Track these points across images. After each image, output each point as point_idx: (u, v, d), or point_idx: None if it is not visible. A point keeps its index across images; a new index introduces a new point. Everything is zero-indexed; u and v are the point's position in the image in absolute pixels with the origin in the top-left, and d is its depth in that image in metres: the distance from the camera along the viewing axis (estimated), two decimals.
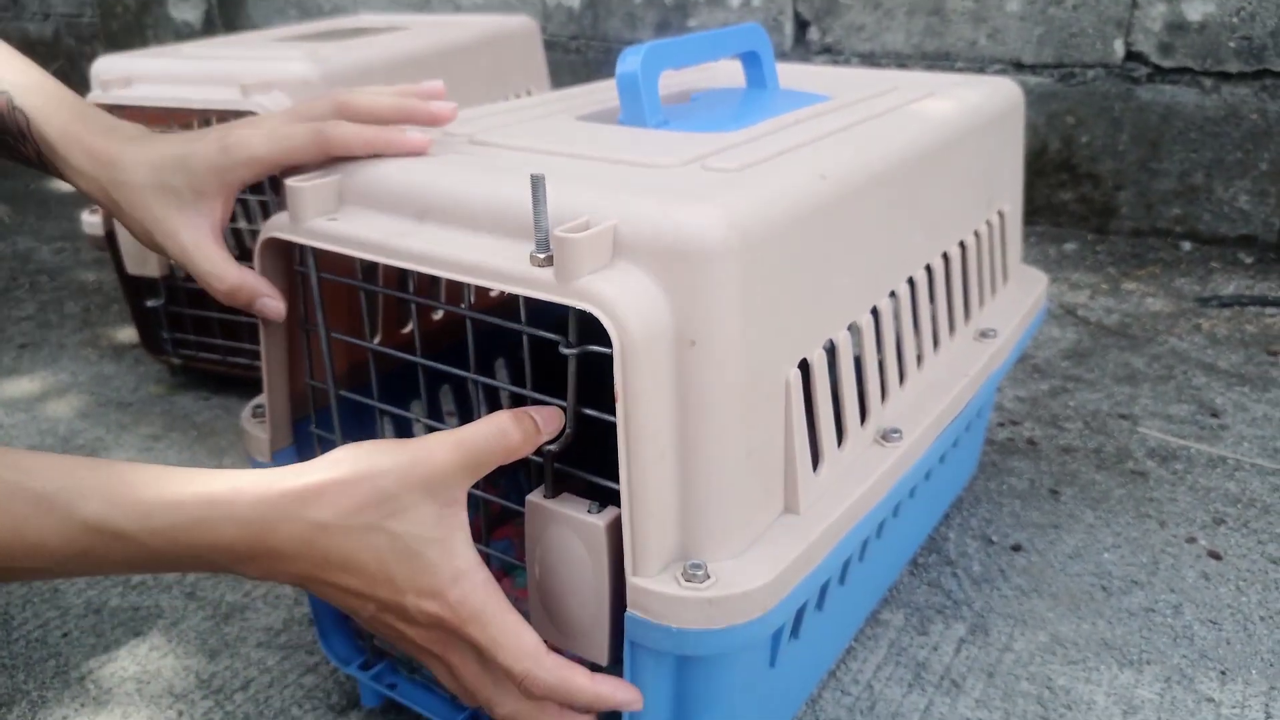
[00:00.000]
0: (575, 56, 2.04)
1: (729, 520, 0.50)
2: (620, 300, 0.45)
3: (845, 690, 0.70)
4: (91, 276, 1.58)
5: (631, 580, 0.48)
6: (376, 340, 0.73)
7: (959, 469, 0.89)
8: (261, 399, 0.64)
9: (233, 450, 1.05)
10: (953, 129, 0.71)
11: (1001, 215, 0.81)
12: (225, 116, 1.21)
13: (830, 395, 0.56)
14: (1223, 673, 0.71)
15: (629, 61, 0.63)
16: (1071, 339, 1.29)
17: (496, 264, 0.48)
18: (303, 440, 0.65)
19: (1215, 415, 1.07)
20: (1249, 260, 1.52)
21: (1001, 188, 0.81)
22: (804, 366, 0.54)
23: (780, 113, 0.67)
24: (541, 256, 0.46)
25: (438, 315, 0.79)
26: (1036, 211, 1.69)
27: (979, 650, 0.74)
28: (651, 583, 0.48)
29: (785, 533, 0.52)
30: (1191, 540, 0.86)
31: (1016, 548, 0.86)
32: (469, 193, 0.52)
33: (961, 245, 0.74)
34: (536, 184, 0.45)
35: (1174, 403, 1.11)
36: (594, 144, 0.59)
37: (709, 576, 0.48)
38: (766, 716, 0.63)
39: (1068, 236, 1.66)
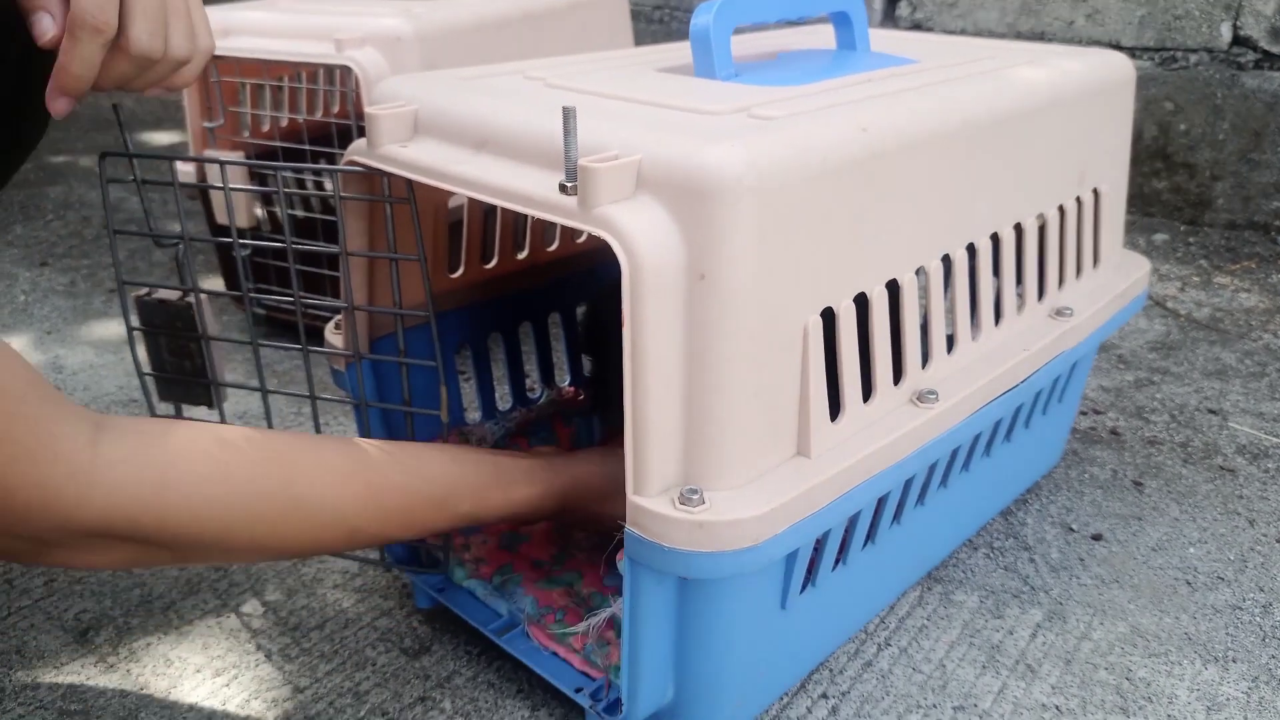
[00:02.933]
0: (659, 27, 2.03)
1: (731, 453, 0.51)
2: (633, 228, 0.47)
3: (917, 668, 0.69)
4: (176, 226, 1.62)
5: (631, 498, 0.50)
6: (459, 273, 0.75)
7: (1035, 452, 0.87)
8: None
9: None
10: (1038, 97, 0.69)
11: (1097, 194, 0.79)
12: (318, 70, 1.23)
13: (858, 348, 0.56)
14: None
15: (702, 15, 0.63)
16: (1159, 331, 1.25)
17: (527, 189, 0.51)
18: (384, 351, 0.69)
19: None
20: None
21: (1099, 164, 0.78)
22: (829, 315, 0.54)
23: (858, 72, 0.66)
24: (569, 185, 0.48)
25: (522, 255, 0.80)
26: (1127, 200, 1.63)
27: (1056, 637, 0.72)
28: (648, 502, 0.50)
29: (791, 473, 0.53)
30: None
31: (1097, 537, 0.84)
32: (520, 126, 0.55)
33: (1041, 218, 0.72)
34: (568, 116, 0.47)
35: (1266, 400, 1.07)
36: (655, 91, 0.60)
37: (704, 502, 0.50)
38: (777, 661, 0.63)
39: (1159, 227, 1.61)
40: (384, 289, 0.67)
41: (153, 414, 0.64)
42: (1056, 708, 0.66)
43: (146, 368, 0.66)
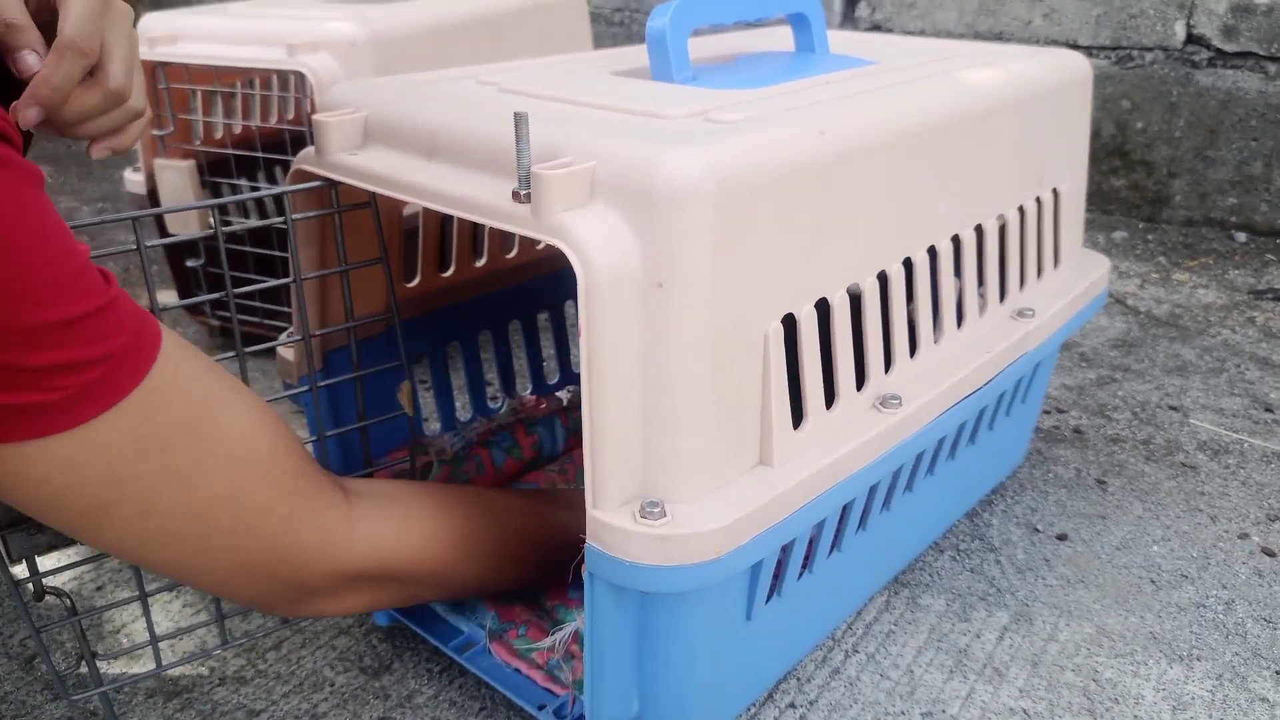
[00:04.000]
0: (619, 29, 2.02)
1: (692, 464, 0.50)
2: (588, 237, 0.46)
3: (884, 674, 0.69)
4: (131, 236, 1.58)
5: (590, 512, 0.49)
6: (415, 282, 0.73)
7: (998, 453, 0.87)
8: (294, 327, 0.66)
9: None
10: (996, 97, 0.68)
11: (1056, 194, 0.79)
12: (270, 76, 1.21)
13: (819, 355, 0.55)
14: (1277, 672, 0.69)
15: (658, 18, 0.62)
16: (1120, 328, 1.25)
17: (481, 198, 0.50)
18: (336, 369, 0.67)
19: (1269, 410, 1.04)
20: None
21: (1057, 164, 0.78)
22: (790, 322, 0.53)
23: (816, 74, 0.65)
24: (522, 193, 0.47)
25: (480, 263, 0.79)
26: (1086, 197, 1.65)
27: (1022, 639, 0.72)
28: (608, 516, 0.49)
29: (753, 483, 0.52)
30: (1244, 536, 0.84)
31: (1062, 537, 0.84)
32: (472, 133, 0.54)
33: (1001, 219, 0.71)
34: (520, 122, 0.46)
35: (1226, 396, 1.08)
36: (611, 95, 0.59)
37: (664, 515, 0.49)
38: (743, 672, 0.63)
39: (1118, 224, 1.62)
40: (338, 300, 0.66)
41: (7, 579, 0.55)
42: (1024, 711, 0.66)
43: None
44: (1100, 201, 1.65)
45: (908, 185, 0.61)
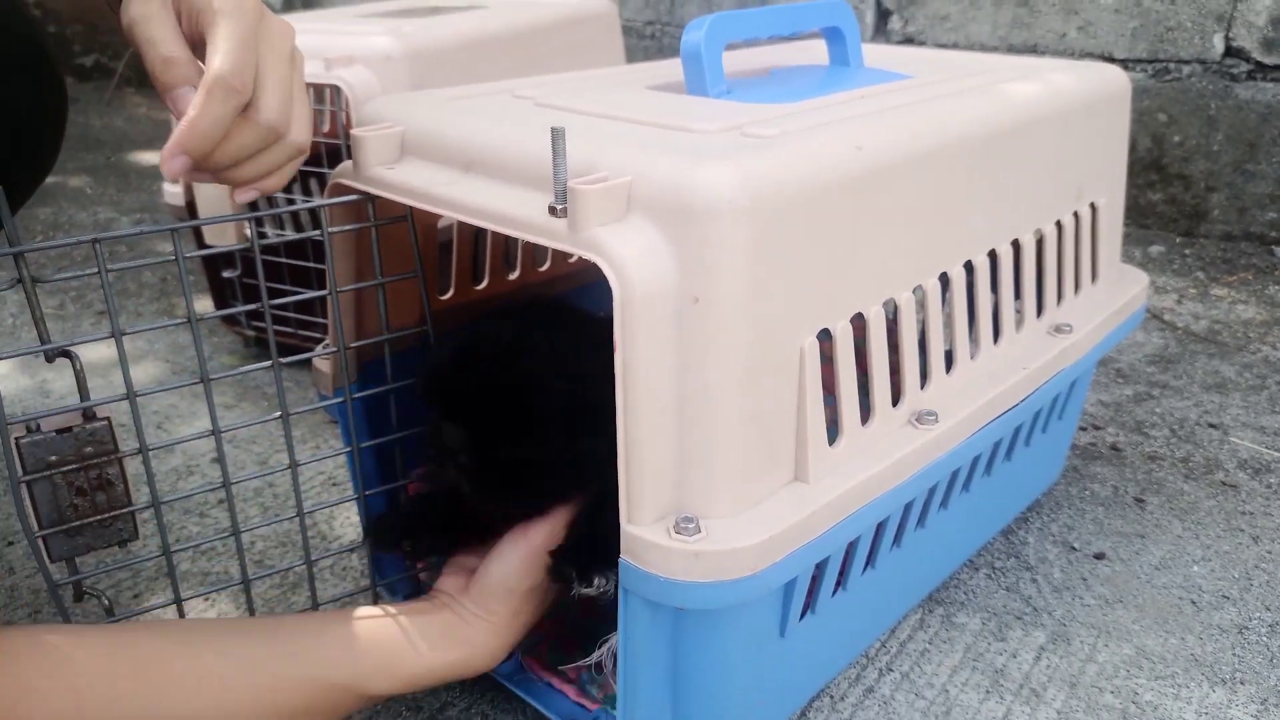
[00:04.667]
0: (650, 42, 2.03)
1: (727, 480, 0.50)
2: (624, 252, 0.46)
3: (919, 694, 0.68)
4: (169, 247, 1.61)
5: (625, 527, 0.49)
6: (449, 295, 0.74)
7: (1035, 469, 0.86)
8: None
9: (301, 422, 1.06)
10: (1032, 112, 0.68)
11: (1094, 209, 0.78)
12: (308, 90, 1.22)
13: (855, 369, 0.55)
14: None
15: (693, 32, 0.62)
16: (1157, 344, 1.24)
17: (517, 212, 0.50)
18: (371, 381, 0.67)
19: None
20: None
21: (1095, 179, 0.77)
22: (826, 337, 0.53)
23: (851, 88, 0.65)
24: (559, 207, 0.47)
25: (513, 276, 0.79)
26: (1123, 212, 1.63)
27: (1060, 659, 0.71)
28: (643, 531, 0.49)
29: (789, 499, 0.52)
30: None
31: (1100, 556, 0.83)
32: (508, 147, 0.54)
33: (1039, 234, 0.71)
34: (556, 137, 0.46)
35: (1266, 414, 1.06)
36: (646, 109, 0.59)
37: (700, 531, 0.48)
38: (777, 690, 0.62)
39: (1155, 239, 1.60)
40: (374, 312, 0.66)
41: (48, 580, 0.54)
42: None
43: (39, 524, 0.53)
44: (1137, 216, 1.63)
45: (944, 200, 0.61)
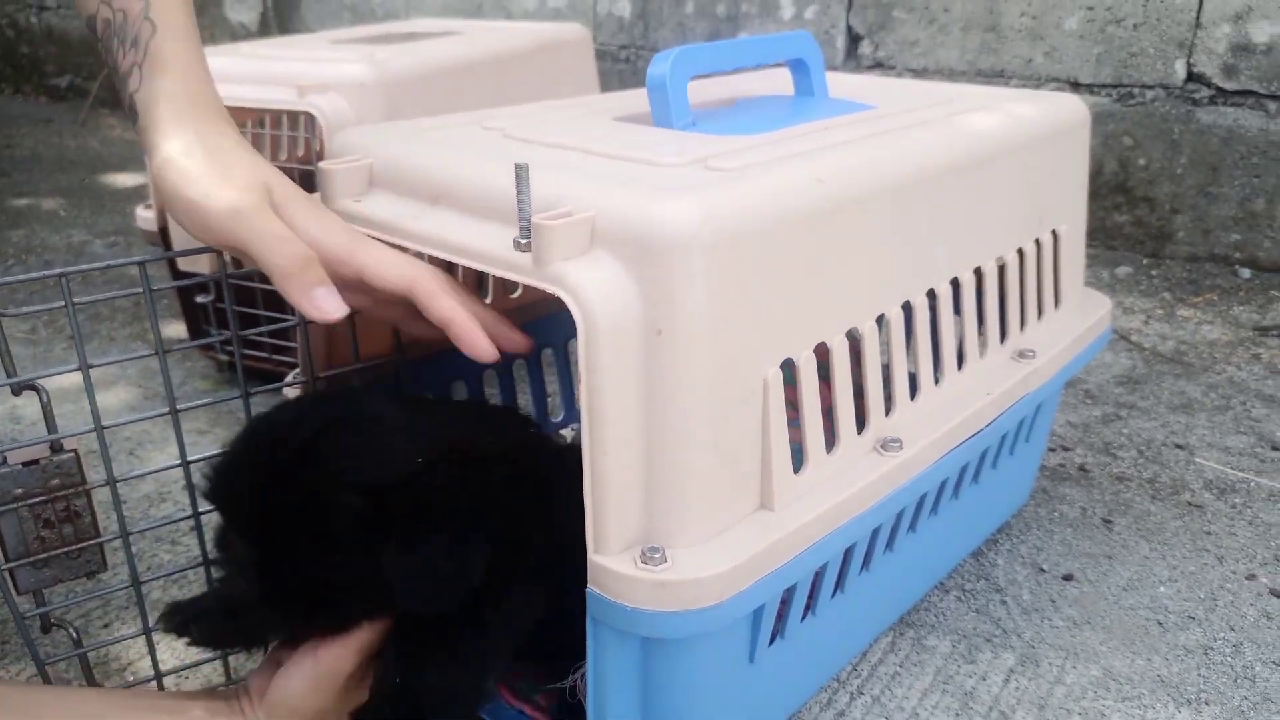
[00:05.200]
0: (625, 66, 2.04)
1: (693, 509, 0.50)
2: (587, 286, 0.46)
3: (889, 717, 0.68)
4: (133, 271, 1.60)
5: (591, 557, 0.49)
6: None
7: (1003, 492, 0.87)
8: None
9: None
10: (994, 142, 0.69)
11: (1056, 235, 0.79)
12: (281, 116, 1.22)
13: (819, 399, 0.56)
14: None
15: (659, 65, 0.63)
16: (1125, 365, 1.26)
17: (483, 246, 0.51)
18: None
19: (1276, 448, 1.04)
20: None
21: (1057, 206, 0.79)
22: (790, 367, 0.54)
23: (815, 119, 0.66)
24: (523, 242, 0.48)
25: (486, 302, 0.79)
26: (1090, 234, 1.65)
27: (1029, 682, 0.72)
28: (609, 561, 0.49)
29: (754, 528, 0.53)
30: (1252, 577, 0.83)
31: (1068, 577, 0.84)
32: (474, 181, 0.54)
33: (1001, 262, 0.72)
34: (520, 172, 0.47)
35: (1232, 434, 1.07)
36: (612, 141, 0.60)
37: (666, 560, 0.49)
38: (747, 714, 0.62)
39: (1121, 260, 1.63)
40: (345, 341, 0.67)
41: (15, 613, 0.55)
42: None
43: (4, 557, 0.53)
44: (1104, 237, 1.66)
45: (906, 230, 0.62)
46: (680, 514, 0.50)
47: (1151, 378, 1.22)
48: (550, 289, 0.47)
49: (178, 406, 0.59)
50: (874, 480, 0.58)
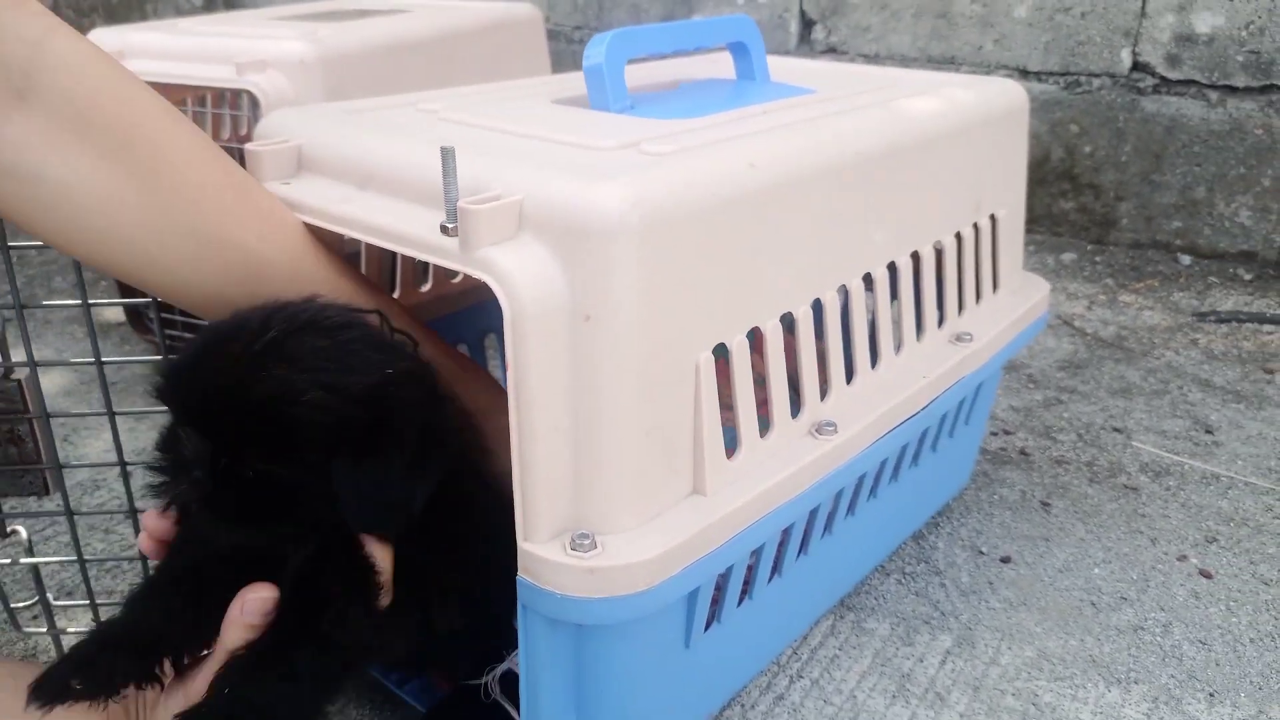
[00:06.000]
0: (578, 47, 2.02)
1: (623, 495, 0.50)
2: (514, 271, 0.46)
3: (828, 700, 0.69)
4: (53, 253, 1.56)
5: (521, 545, 0.49)
6: (395, 295, 0.73)
7: (943, 475, 0.88)
8: None
9: None
10: (932, 127, 0.69)
11: (994, 220, 0.80)
12: (220, 94, 1.20)
13: (752, 384, 0.56)
14: (1211, 694, 0.70)
15: (595, 48, 0.63)
16: (1067, 350, 1.27)
17: (410, 231, 0.50)
18: None
19: (1209, 432, 1.06)
20: (1248, 276, 1.51)
21: (995, 191, 0.79)
22: (722, 352, 0.54)
23: (753, 103, 0.66)
24: (450, 226, 0.47)
25: (425, 288, 0.79)
26: (1036, 220, 1.68)
27: (965, 663, 0.73)
28: (538, 548, 0.49)
29: (686, 512, 0.52)
30: (1183, 558, 0.85)
31: (1006, 559, 0.85)
32: (402, 164, 0.54)
33: (938, 246, 0.72)
34: (446, 156, 0.46)
35: (1168, 418, 1.09)
36: (547, 125, 0.59)
37: (596, 546, 0.49)
38: (684, 700, 0.63)
39: (1067, 246, 1.65)
40: None
41: None
42: None
43: None
44: (1050, 224, 1.68)
45: (842, 214, 0.62)
46: (610, 500, 0.50)
47: (1093, 362, 1.24)
48: (476, 274, 0.46)
49: (116, 392, 0.58)
50: (808, 464, 0.58)
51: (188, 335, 1.16)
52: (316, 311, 0.50)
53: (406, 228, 0.50)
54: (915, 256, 0.69)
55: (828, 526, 0.68)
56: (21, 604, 0.76)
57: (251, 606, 0.47)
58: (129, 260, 0.53)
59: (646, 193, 0.47)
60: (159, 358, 0.61)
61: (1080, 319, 1.37)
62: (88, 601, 0.70)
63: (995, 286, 0.81)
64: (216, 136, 1.22)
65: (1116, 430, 1.07)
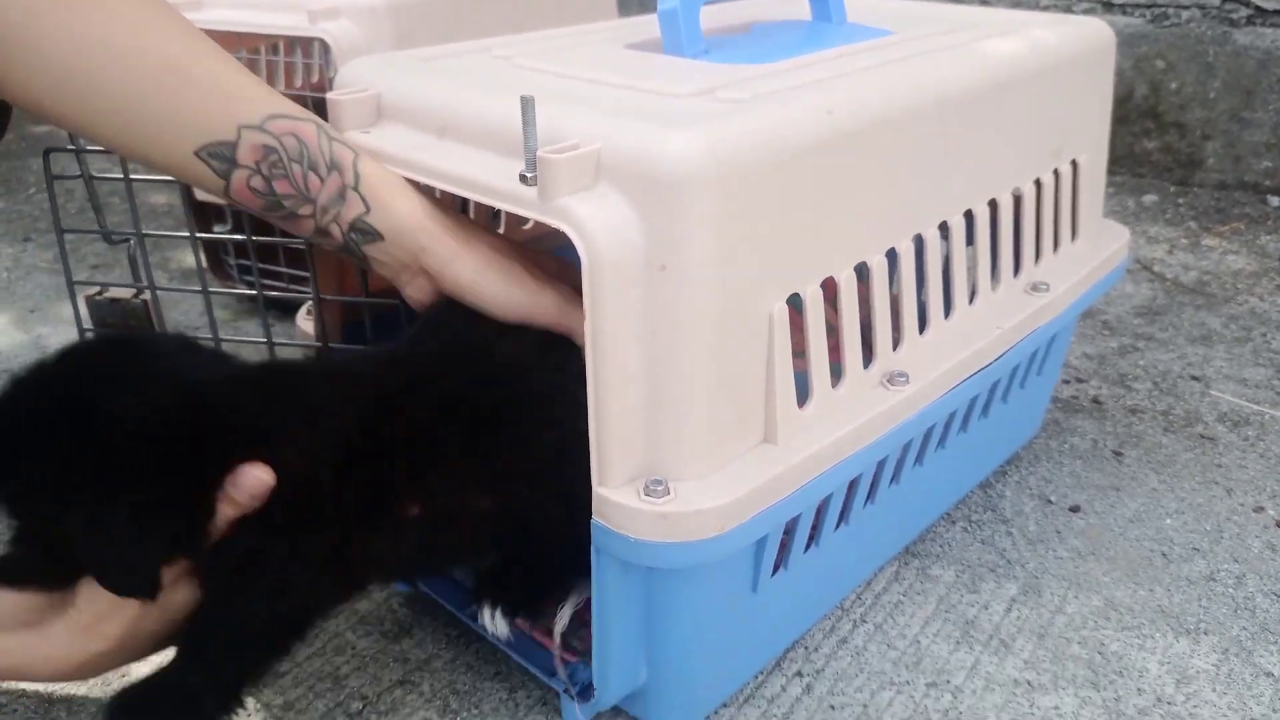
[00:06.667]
0: None
1: (696, 442, 0.51)
2: (591, 220, 0.46)
3: (891, 644, 0.70)
4: (162, 199, 1.60)
5: (595, 489, 0.50)
6: None
7: (1013, 424, 0.87)
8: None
9: None
10: (1014, 70, 0.68)
11: (1075, 166, 0.78)
12: (292, 42, 1.21)
13: (825, 333, 0.56)
14: None
15: None
16: (1146, 295, 1.24)
17: (490, 180, 0.51)
18: (353, 340, 0.70)
19: None
20: None
21: (1077, 136, 0.77)
22: (796, 301, 0.54)
23: (829, 46, 0.65)
24: (529, 176, 0.48)
25: (527, 226, 0.80)
26: (1117, 160, 1.62)
27: (1030, 611, 0.73)
28: (613, 493, 0.50)
29: (757, 460, 0.53)
30: (1259, 510, 0.84)
31: (1075, 509, 0.84)
32: (481, 112, 0.54)
33: (1017, 193, 0.71)
34: (526, 105, 0.47)
35: (1250, 366, 1.07)
36: (621, 71, 0.59)
37: (669, 493, 0.50)
38: (750, 642, 0.64)
39: (1148, 188, 1.60)
40: (355, 274, 0.67)
41: None
42: (1028, 683, 0.67)
43: None
44: (1131, 164, 1.62)
45: (919, 162, 0.61)
46: (683, 447, 0.51)
47: (1172, 308, 1.21)
48: (555, 223, 0.47)
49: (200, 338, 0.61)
50: (879, 415, 0.58)
51: (267, 281, 1.20)
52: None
53: (486, 176, 0.51)
54: (993, 204, 0.68)
55: (895, 476, 0.69)
56: None
57: (242, 481, 0.48)
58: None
59: (723, 141, 0.47)
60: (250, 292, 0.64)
61: (1160, 264, 1.33)
62: None
63: (1074, 234, 0.79)
64: (290, 85, 1.24)
65: (1194, 378, 1.05)
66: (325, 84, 1.25)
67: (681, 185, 0.46)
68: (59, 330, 1.19)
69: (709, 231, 0.48)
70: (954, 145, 0.63)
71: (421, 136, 0.56)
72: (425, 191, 0.58)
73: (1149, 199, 1.55)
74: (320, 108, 1.17)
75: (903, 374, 0.61)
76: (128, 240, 0.60)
